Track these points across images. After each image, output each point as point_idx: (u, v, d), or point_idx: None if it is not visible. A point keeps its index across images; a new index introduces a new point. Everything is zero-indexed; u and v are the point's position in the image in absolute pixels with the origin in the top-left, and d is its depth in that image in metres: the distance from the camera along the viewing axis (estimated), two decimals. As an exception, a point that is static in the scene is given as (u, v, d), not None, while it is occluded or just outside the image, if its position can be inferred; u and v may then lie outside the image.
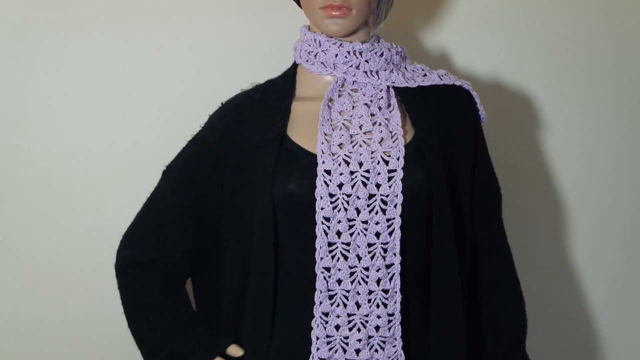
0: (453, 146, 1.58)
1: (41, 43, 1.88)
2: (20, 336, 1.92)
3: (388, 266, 1.49)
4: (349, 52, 1.54)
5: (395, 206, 1.49)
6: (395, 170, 1.49)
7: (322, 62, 1.56)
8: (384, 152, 1.50)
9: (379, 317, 1.48)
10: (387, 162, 1.50)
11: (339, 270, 1.48)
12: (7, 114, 1.89)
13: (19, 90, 1.89)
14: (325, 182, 1.48)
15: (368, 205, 1.48)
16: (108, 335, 1.92)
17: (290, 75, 1.63)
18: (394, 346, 1.49)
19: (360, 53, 1.55)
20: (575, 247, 2.11)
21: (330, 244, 1.48)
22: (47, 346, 1.92)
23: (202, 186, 1.61)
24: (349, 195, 1.48)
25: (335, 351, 1.48)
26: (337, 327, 1.48)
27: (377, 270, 1.48)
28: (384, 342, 1.48)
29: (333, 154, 1.50)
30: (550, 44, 2.03)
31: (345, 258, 1.48)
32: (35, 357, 1.92)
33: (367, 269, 1.48)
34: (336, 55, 1.55)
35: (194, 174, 1.62)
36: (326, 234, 1.48)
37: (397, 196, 1.48)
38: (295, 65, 1.64)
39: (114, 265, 1.66)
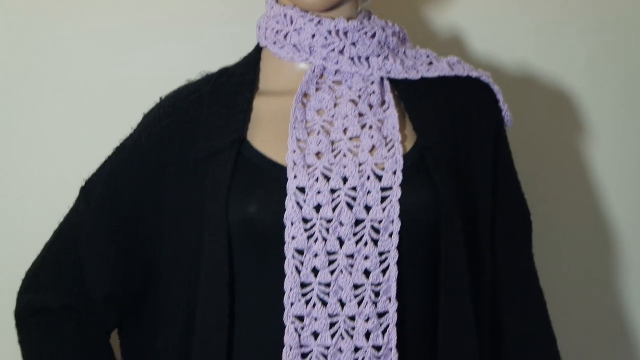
0: (467, 157, 1.59)
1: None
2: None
3: (381, 315, 1.49)
4: (330, 32, 1.56)
5: (390, 236, 1.49)
6: (390, 189, 1.50)
7: (294, 45, 1.58)
8: (375, 165, 1.51)
9: (368, 384, 1.48)
10: (379, 178, 1.51)
11: (316, 320, 1.48)
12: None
13: None
14: (298, 204, 1.49)
15: (355, 235, 1.49)
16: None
17: (252, 63, 1.64)
18: (389, 422, 1.49)
19: (345, 33, 1.56)
20: (629, 286, 2.13)
21: (303, 285, 1.49)
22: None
23: (133, 208, 1.62)
24: (329, 221, 1.49)
25: None
26: (313, 397, 1.48)
27: (367, 321, 1.49)
28: (375, 417, 1.49)
29: (308, 167, 1.51)
30: (594, 25, 2.06)
31: (324, 304, 1.49)
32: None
33: (352, 318, 1.49)
34: (313, 36, 1.56)
35: (122, 192, 1.62)
36: (299, 271, 1.48)
37: (392, 222, 1.49)
38: (259, 50, 1.65)
39: (14, 313, 1.66)
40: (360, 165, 1.51)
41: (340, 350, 1.48)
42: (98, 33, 1.99)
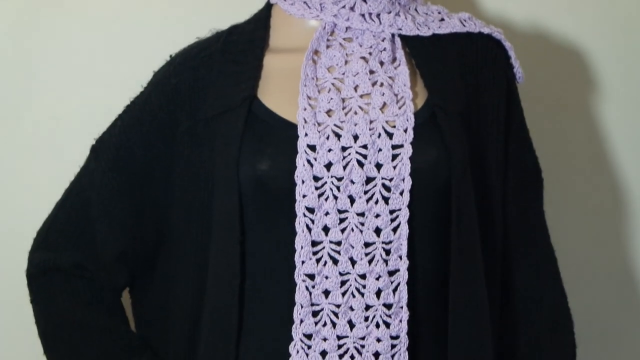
0: (479, 114, 1.59)
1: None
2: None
3: (391, 273, 1.50)
4: (340, -12, 1.55)
5: (401, 193, 1.49)
6: (401, 146, 1.50)
7: (304, 2, 1.57)
8: (386, 122, 1.51)
9: (379, 340, 1.49)
10: (390, 135, 1.50)
11: (326, 278, 1.49)
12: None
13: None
14: (309, 161, 1.49)
15: (365, 192, 1.49)
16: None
17: (262, 20, 1.63)
18: (399, 379, 1.49)
19: (356, -11, 1.56)
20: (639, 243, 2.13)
21: (314, 244, 1.49)
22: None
23: (144, 166, 1.62)
24: (340, 179, 1.49)
25: (321, 385, 1.49)
26: (324, 354, 1.49)
27: (377, 279, 1.49)
28: (385, 374, 1.49)
29: (319, 124, 1.51)
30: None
31: (335, 262, 1.49)
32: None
33: (363, 276, 1.49)
34: (324, -8, 1.56)
35: (133, 150, 1.62)
36: (309, 229, 1.48)
37: (403, 180, 1.49)
38: (269, 6, 1.64)
39: (25, 272, 1.66)
40: (371, 122, 1.51)
41: (351, 308, 1.49)
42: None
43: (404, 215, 1.49)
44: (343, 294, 1.49)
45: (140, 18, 1.99)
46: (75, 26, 1.98)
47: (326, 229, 1.49)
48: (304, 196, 1.48)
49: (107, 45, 1.99)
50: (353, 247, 1.49)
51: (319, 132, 1.50)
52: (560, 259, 1.70)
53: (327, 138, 1.50)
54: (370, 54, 1.56)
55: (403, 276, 1.49)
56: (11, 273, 1.81)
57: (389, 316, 1.49)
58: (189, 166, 1.59)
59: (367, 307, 1.49)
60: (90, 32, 1.98)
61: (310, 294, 1.49)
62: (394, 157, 1.50)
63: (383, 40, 1.56)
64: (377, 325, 1.49)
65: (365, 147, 1.50)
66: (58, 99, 1.97)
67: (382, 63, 1.55)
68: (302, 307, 1.48)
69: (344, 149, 1.49)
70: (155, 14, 1.99)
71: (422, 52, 1.59)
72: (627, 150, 2.10)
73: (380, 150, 1.50)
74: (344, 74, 1.54)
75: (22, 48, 1.97)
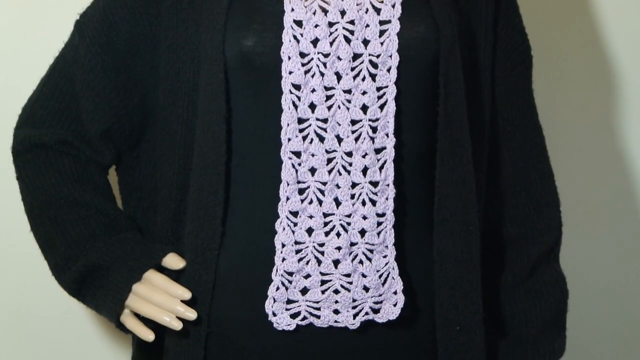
0: (468, -10, 1.57)
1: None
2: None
3: (378, 151, 1.49)
4: None
5: (388, 70, 1.48)
6: (389, 22, 1.48)
7: None
8: (374, -4, 1.50)
9: (364, 218, 1.49)
10: (378, 11, 1.49)
11: (313, 155, 1.48)
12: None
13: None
14: (295, 37, 1.47)
15: (352, 69, 1.48)
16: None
17: None
18: (385, 256, 1.50)
19: None
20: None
21: (300, 121, 1.48)
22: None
23: (128, 42, 1.60)
24: (326, 55, 1.47)
25: (307, 262, 1.49)
26: (310, 231, 1.49)
27: (364, 156, 1.48)
28: (371, 252, 1.49)
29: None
30: None
31: (321, 139, 1.48)
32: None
33: (349, 154, 1.48)
34: None
35: (118, 25, 1.60)
36: (295, 106, 1.47)
37: (391, 57, 1.48)
38: None
39: (11, 148, 1.66)
40: None
41: (337, 186, 1.49)
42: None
43: (391, 92, 1.48)
44: (329, 172, 1.49)
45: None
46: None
47: (312, 106, 1.48)
48: (290, 73, 1.47)
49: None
50: (340, 125, 1.48)
51: (306, 7, 1.48)
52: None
53: (314, 13, 1.48)
54: None
55: (390, 154, 1.49)
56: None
57: (375, 194, 1.49)
58: (174, 43, 1.57)
59: (354, 185, 1.49)
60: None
61: (297, 171, 1.48)
62: (382, 33, 1.48)
63: None
64: (363, 203, 1.49)
65: (352, 22, 1.48)
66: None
67: None
68: (288, 184, 1.48)
69: (330, 24, 1.48)
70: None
71: None
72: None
73: (367, 25, 1.48)
74: (331, -52, 1.52)
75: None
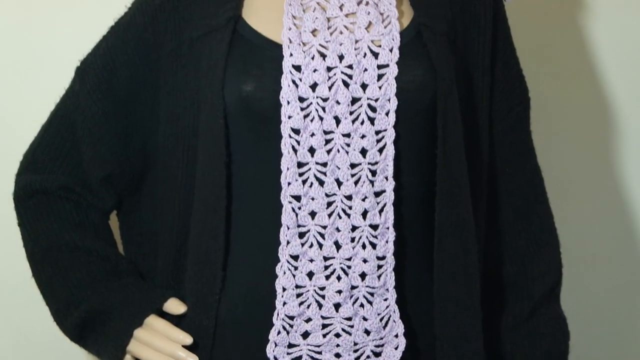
0: (465, 32, 1.57)
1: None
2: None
3: (377, 194, 1.49)
4: None
5: (387, 114, 1.48)
6: (387, 66, 1.49)
7: None
8: (372, 42, 1.50)
9: (365, 261, 1.49)
10: (376, 55, 1.49)
11: (312, 199, 1.48)
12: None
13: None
14: (294, 82, 1.47)
15: (351, 113, 1.48)
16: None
17: (248, -61, 1.60)
18: (386, 299, 1.49)
19: None
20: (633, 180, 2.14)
21: (300, 165, 1.48)
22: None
23: (129, 88, 1.61)
24: (325, 100, 1.48)
25: (308, 306, 1.49)
26: (310, 275, 1.49)
27: (363, 200, 1.48)
28: (372, 295, 1.49)
29: (304, 44, 1.49)
30: None
31: (321, 183, 1.48)
32: None
33: (349, 197, 1.48)
34: None
35: (119, 71, 1.61)
36: (295, 151, 1.47)
37: (389, 100, 1.48)
38: None
39: (12, 195, 1.66)
40: (356, 42, 1.50)
41: (337, 230, 1.48)
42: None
43: (390, 135, 1.48)
44: (329, 215, 1.48)
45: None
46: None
47: (312, 150, 1.48)
48: (289, 117, 1.47)
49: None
50: (339, 168, 1.48)
51: (304, 52, 1.49)
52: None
53: (312, 58, 1.48)
54: (355, -27, 1.53)
55: (389, 197, 1.49)
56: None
57: (375, 237, 1.49)
58: (175, 88, 1.58)
59: (354, 228, 1.49)
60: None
61: (297, 215, 1.48)
62: (380, 77, 1.49)
63: None
64: (364, 246, 1.49)
65: (350, 67, 1.48)
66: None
67: (367, -18, 1.54)
68: (288, 228, 1.48)
69: (329, 69, 1.48)
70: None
71: (408, -30, 1.57)
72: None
73: (365, 70, 1.49)
74: (329, -8, 1.53)
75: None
